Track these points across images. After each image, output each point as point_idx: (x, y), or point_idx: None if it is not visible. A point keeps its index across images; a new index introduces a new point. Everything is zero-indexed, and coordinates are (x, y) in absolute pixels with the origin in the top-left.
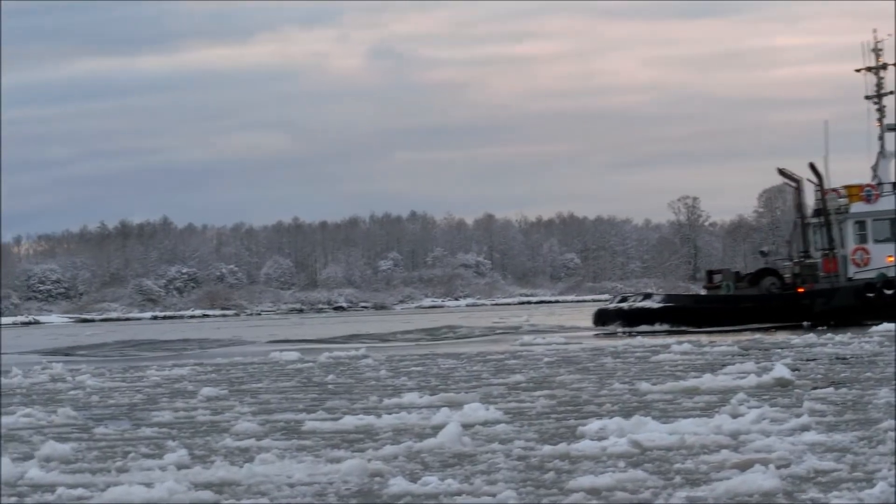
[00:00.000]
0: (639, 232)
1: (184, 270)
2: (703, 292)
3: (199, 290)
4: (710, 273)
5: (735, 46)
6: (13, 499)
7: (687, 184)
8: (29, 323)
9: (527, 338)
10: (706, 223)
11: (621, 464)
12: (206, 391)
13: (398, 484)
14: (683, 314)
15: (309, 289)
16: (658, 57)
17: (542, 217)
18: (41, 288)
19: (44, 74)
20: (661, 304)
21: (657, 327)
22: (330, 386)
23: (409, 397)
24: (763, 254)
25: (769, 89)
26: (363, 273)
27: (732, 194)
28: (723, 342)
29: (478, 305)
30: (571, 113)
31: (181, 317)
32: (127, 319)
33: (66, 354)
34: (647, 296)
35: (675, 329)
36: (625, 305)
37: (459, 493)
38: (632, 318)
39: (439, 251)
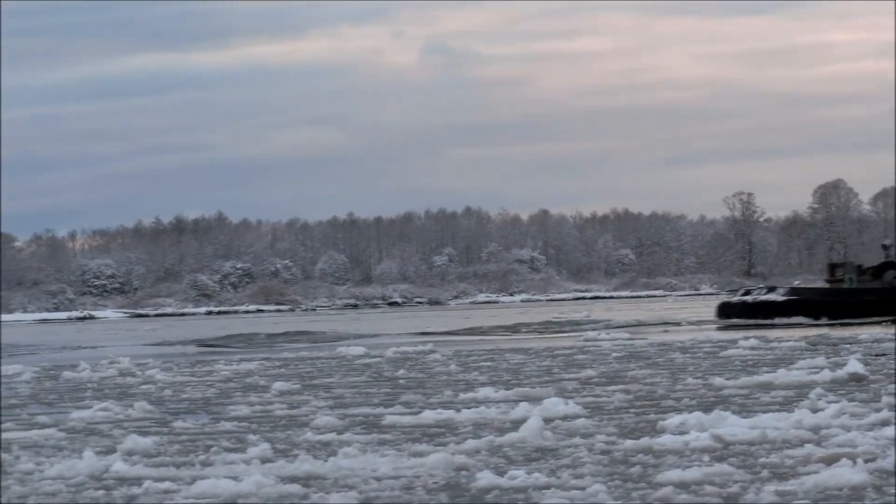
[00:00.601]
0: (693, 227)
1: (238, 266)
2: (824, 285)
3: (254, 285)
4: (833, 266)
5: (787, 42)
6: (100, 492)
7: (741, 179)
8: (83, 318)
9: (591, 333)
10: (761, 219)
11: (706, 458)
12: (279, 385)
13: (486, 477)
14: (807, 307)
15: (363, 284)
16: (709, 53)
17: (596, 213)
18: (96, 283)
19: (98, 70)
20: (785, 298)
21: (781, 320)
22: (401, 381)
23: (484, 392)
24: (885, 247)
25: (821, 85)
26: (418, 268)
27: (787, 190)
28: (789, 337)
29: (532, 301)
30: (624, 109)
31: (235, 312)
32: (182, 315)
33: (211, 346)
34: (771, 289)
35: (799, 322)
36: (748, 299)
37: (548, 487)
38: (755, 312)
39: (494, 247)
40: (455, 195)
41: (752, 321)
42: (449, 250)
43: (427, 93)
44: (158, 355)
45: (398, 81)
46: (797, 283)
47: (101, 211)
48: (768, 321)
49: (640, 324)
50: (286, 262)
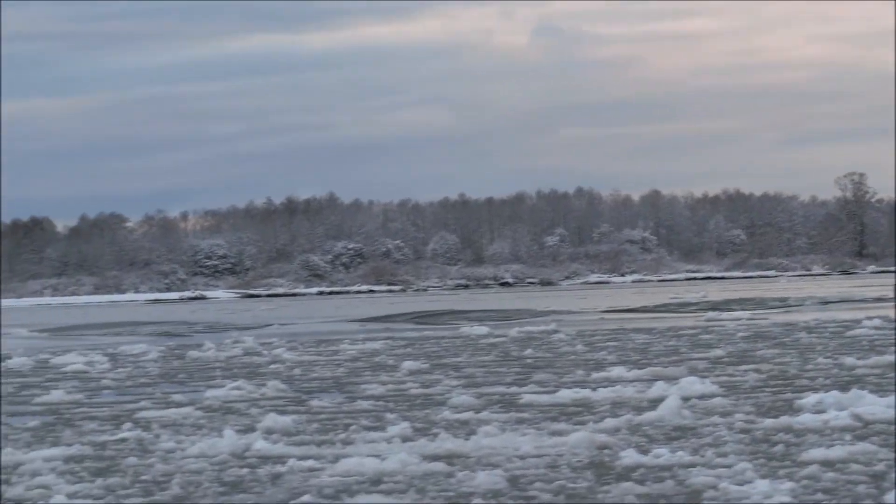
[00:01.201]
0: (805, 208)
1: (350, 246)
2: None
3: (366, 265)
4: None
5: None
6: (244, 470)
7: (853, 160)
8: (195, 298)
9: (712, 313)
10: (872, 199)
11: (847, 437)
12: (408, 365)
13: (630, 456)
14: None
15: (475, 265)
16: (823, 34)
17: (707, 193)
18: (207, 263)
19: (214, 51)
20: None
21: None
22: (529, 360)
23: (616, 371)
24: None
25: None
26: (529, 249)
27: None
28: None
29: (644, 281)
30: (736, 89)
31: (347, 292)
32: (293, 295)
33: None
34: None
35: None
36: None
37: (693, 466)
38: None
39: (605, 227)
40: (566, 175)
41: None
42: (560, 231)
43: (538, 73)
44: (373, 330)
45: (509, 62)
46: None
47: (213, 191)
48: None
49: (843, 300)
50: (398, 242)
